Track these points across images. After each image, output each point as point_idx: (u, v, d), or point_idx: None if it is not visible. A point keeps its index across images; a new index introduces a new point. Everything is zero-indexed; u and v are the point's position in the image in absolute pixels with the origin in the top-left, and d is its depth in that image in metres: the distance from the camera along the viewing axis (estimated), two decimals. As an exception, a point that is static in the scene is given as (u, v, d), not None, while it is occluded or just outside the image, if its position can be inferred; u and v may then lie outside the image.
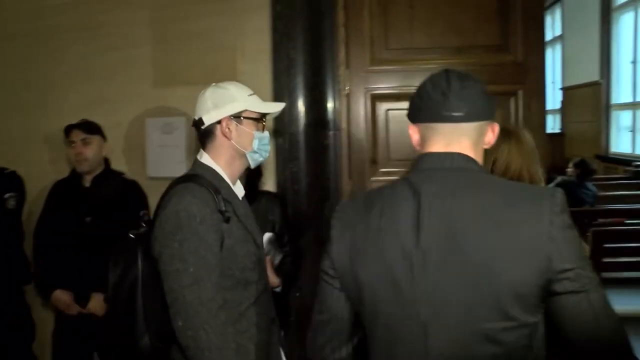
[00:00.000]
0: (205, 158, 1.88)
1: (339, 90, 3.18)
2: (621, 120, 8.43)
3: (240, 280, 1.82)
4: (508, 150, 2.01)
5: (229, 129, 1.83)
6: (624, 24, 8.03)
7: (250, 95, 1.90)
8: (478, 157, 1.35)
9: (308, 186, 3.11)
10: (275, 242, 2.70)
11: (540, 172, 2.05)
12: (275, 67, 3.09)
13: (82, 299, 2.92)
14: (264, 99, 1.96)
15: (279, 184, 3.14)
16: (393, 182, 1.38)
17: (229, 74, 2.94)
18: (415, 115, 1.37)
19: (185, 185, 1.79)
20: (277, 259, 2.70)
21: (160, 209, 1.80)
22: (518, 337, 1.20)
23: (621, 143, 8.39)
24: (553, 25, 11.19)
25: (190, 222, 1.71)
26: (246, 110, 1.86)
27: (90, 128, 2.98)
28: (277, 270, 2.66)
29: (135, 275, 1.87)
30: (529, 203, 1.22)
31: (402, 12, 3.17)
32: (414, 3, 3.17)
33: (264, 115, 1.92)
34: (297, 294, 2.99)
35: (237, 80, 1.99)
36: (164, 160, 3.24)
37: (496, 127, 1.39)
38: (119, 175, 3.09)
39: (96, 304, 2.88)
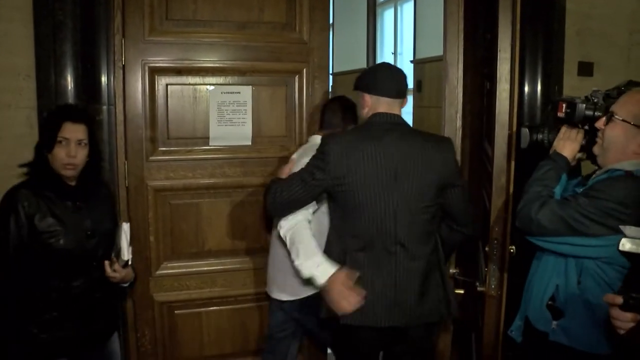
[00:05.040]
0: None
1: (114, 61, 2.87)
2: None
3: None
4: None
5: None
6: (387, 19, 8.65)
7: None
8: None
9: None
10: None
11: None
12: (38, 30, 2.68)
13: None
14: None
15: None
16: (364, 126, 2.42)
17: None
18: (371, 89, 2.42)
19: None
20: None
21: None
22: (436, 210, 2.42)
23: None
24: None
25: None
26: None
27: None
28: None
29: None
30: (436, 141, 2.46)
31: (186, -21, 2.97)
32: (200, -30, 2.99)
33: None
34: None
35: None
36: None
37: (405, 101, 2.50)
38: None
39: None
